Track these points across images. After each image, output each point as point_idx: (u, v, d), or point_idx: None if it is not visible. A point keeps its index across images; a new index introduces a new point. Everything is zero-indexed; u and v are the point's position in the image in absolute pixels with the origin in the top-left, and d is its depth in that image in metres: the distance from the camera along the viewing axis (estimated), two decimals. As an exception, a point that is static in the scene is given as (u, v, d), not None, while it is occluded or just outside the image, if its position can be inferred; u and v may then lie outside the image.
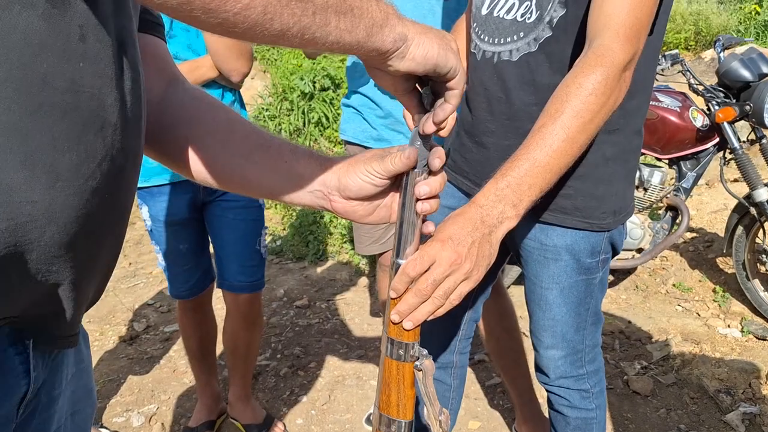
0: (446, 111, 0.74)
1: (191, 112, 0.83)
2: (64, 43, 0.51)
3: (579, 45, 1.20)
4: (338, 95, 5.74)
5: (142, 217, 2.05)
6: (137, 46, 0.65)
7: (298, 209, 4.69)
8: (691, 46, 7.06)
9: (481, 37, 1.37)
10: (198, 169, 0.83)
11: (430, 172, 0.78)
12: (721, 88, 2.94)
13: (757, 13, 8.32)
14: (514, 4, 1.29)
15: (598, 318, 1.47)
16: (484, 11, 1.36)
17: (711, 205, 4.13)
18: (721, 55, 2.98)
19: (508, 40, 1.31)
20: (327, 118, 5.63)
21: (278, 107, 5.85)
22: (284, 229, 4.65)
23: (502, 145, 1.36)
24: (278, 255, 4.26)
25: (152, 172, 1.92)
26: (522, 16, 1.28)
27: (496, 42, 1.33)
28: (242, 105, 2.12)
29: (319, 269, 4.00)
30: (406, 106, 0.79)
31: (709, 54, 6.02)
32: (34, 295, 0.56)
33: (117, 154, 0.59)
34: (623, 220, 1.39)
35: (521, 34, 1.28)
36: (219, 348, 2.38)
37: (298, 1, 0.53)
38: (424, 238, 0.85)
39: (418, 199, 0.77)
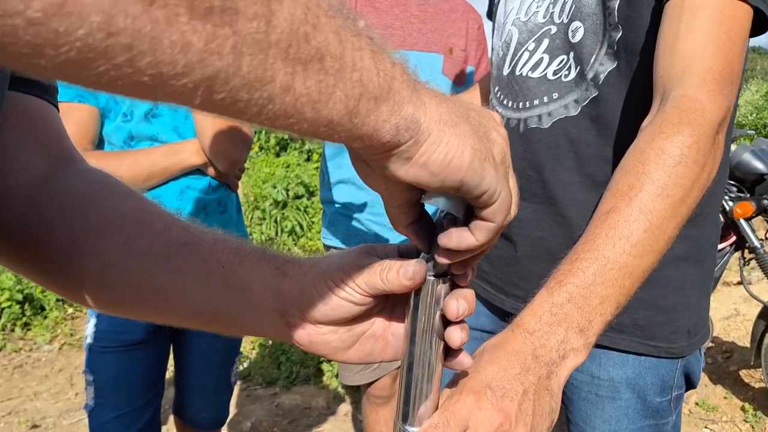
0: (462, 241, 0.46)
1: (83, 200, 0.57)
2: None
3: (627, 104, 0.92)
4: (312, 203, 5.53)
5: (86, 333, 1.62)
6: None
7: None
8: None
9: (503, 101, 1.08)
10: (85, 283, 0.56)
11: (453, 283, 0.51)
12: (733, 182, 2.70)
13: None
14: (542, 59, 1.01)
15: (670, 478, 1.08)
16: (505, 71, 1.07)
17: (720, 311, 3.82)
18: (728, 147, 2.77)
19: (536, 102, 1.02)
20: (301, 227, 5.39)
21: (249, 216, 5.58)
22: (253, 349, 4.20)
23: (533, 239, 1.04)
24: (245, 380, 3.79)
25: None
26: (555, 73, 0.99)
27: (520, 106, 1.04)
28: (239, 208, 1.75)
29: (292, 395, 3.53)
30: (394, 223, 0.49)
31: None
32: None
33: None
34: (700, 343, 1.03)
35: (555, 95, 0.99)
36: None
37: (200, 15, 0.25)
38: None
39: (446, 323, 0.50)
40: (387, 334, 0.55)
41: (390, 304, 0.54)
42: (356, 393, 3.36)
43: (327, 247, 1.87)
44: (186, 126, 1.59)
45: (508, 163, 0.46)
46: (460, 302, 0.48)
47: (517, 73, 1.04)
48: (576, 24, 0.96)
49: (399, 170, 0.39)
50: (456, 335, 0.49)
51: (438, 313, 0.50)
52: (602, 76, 0.94)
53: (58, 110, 0.62)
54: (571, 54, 0.97)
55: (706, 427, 2.85)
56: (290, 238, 5.40)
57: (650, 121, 0.79)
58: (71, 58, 0.23)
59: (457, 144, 0.39)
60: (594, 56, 0.94)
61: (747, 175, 2.64)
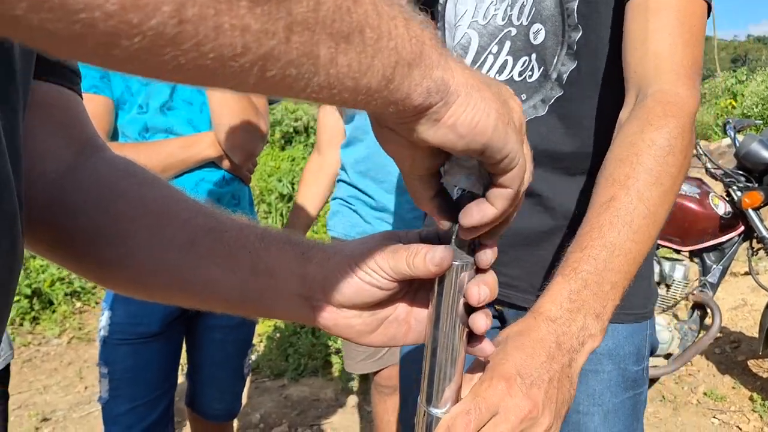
0: (484, 215, 0.47)
1: (107, 189, 0.57)
2: None
3: (591, 100, 0.98)
4: (318, 196, 5.52)
5: (99, 326, 1.62)
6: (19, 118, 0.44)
7: (276, 319, 4.27)
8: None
9: None
10: (111, 270, 0.57)
11: (478, 269, 0.52)
12: (741, 172, 2.70)
13: (733, 107, 8.50)
14: (506, 61, 1.03)
15: (645, 450, 1.11)
16: None
17: (728, 301, 3.82)
18: (736, 137, 2.76)
19: None
20: (307, 220, 5.37)
21: (256, 210, 5.60)
22: (261, 341, 4.21)
23: (512, 228, 1.06)
24: (254, 372, 3.80)
25: None
26: (520, 74, 1.03)
27: None
28: (251, 201, 1.75)
29: (300, 387, 3.54)
30: (417, 197, 0.50)
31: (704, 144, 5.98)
32: None
33: None
34: (655, 303, 1.11)
35: (523, 97, 1.03)
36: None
37: (254, 4, 0.27)
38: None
39: (469, 309, 0.51)
40: (410, 319, 0.56)
41: (413, 289, 0.55)
42: (364, 384, 3.37)
43: (332, 239, 1.89)
44: (201, 119, 1.59)
45: (524, 131, 0.47)
46: (482, 288, 0.49)
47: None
48: (537, 26, 0.99)
49: (427, 132, 0.40)
50: (480, 321, 0.51)
51: (462, 299, 0.50)
52: (565, 76, 0.98)
53: (82, 98, 0.62)
54: (533, 55, 1.00)
55: (714, 417, 2.85)
56: (296, 232, 5.42)
57: (632, 115, 0.84)
58: (143, 46, 0.25)
59: (483, 106, 0.40)
60: (556, 57, 0.98)
61: (755, 165, 2.63)
